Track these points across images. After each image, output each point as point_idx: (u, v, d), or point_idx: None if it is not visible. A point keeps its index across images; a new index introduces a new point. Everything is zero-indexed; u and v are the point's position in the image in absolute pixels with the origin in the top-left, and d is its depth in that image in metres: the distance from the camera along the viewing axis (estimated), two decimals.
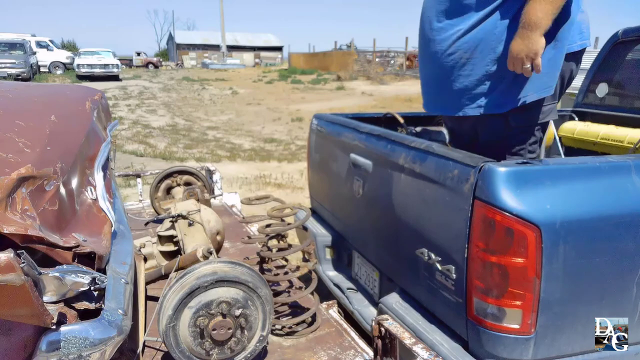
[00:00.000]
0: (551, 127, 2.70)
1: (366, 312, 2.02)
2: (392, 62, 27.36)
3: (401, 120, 2.47)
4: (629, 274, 1.38)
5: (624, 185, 1.38)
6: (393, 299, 1.76)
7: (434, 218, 1.54)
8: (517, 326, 1.33)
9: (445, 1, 1.78)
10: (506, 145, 1.87)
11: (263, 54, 50.57)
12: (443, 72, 1.83)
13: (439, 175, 1.51)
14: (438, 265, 1.50)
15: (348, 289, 2.22)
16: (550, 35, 1.65)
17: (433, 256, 1.53)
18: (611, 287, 1.38)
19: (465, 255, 1.38)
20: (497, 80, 1.74)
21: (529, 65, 1.61)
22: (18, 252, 0.76)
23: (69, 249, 0.89)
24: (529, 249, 1.27)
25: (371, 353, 1.59)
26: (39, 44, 23.54)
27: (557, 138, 2.84)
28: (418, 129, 2.61)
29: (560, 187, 1.33)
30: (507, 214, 1.28)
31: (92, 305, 0.92)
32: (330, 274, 2.38)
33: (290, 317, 1.85)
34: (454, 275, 1.44)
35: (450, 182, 1.45)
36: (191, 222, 2.09)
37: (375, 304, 2.02)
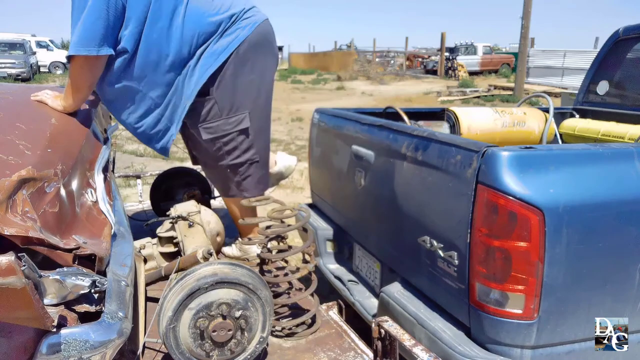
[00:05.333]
0: (552, 124, 2.70)
1: (367, 303, 2.02)
2: (392, 62, 27.35)
3: (403, 115, 2.48)
4: (632, 260, 1.38)
5: (627, 171, 1.39)
6: (394, 288, 1.76)
7: (436, 205, 1.55)
8: (519, 311, 1.33)
9: None
10: (213, 155, 2.08)
11: None
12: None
13: (442, 161, 1.51)
14: (440, 252, 1.50)
15: (349, 281, 2.22)
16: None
17: (435, 243, 1.53)
18: (614, 273, 1.38)
19: (468, 241, 1.39)
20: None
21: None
22: (19, 254, 0.76)
23: (69, 250, 0.89)
24: (532, 232, 1.27)
25: (371, 354, 1.59)
26: (39, 44, 23.52)
27: (558, 135, 2.85)
28: (420, 123, 2.62)
29: (563, 171, 1.33)
30: (510, 197, 1.28)
31: (92, 308, 0.92)
32: (332, 267, 2.39)
33: (290, 318, 1.85)
34: (456, 262, 1.44)
35: (453, 168, 1.46)
36: (191, 224, 2.09)
37: (376, 295, 2.02)
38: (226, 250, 2.40)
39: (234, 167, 2.11)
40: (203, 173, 3.06)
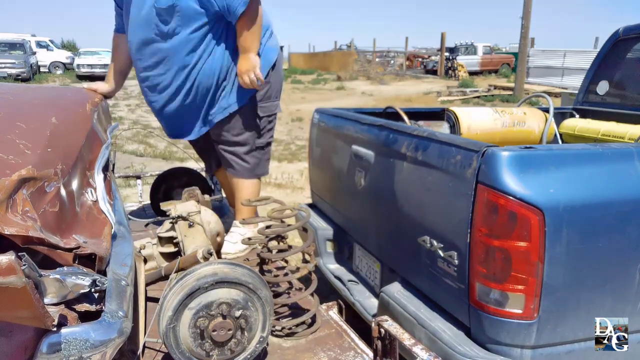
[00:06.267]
0: (552, 124, 2.70)
1: (367, 303, 2.03)
2: (392, 62, 27.35)
3: (403, 115, 2.48)
4: (632, 260, 1.38)
5: (627, 171, 1.40)
6: (394, 288, 1.76)
7: (436, 205, 1.55)
8: (519, 311, 1.33)
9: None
10: (257, 133, 2.42)
11: None
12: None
13: (442, 161, 1.51)
14: (440, 252, 1.50)
15: (349, 280, 2.22)
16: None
17: (435, 243, 1.53)
18: (614, 272, 1.39)
19: (468, 241, 1.39)
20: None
21: (253, 77, 2.19)
22: (19, 254, 0.76)
23: (69, 250, 0.89)
24: (532, 232, 1.27)
25: (371, 354, 1.60)
26: (39, 44, 23.52)
27: (558, 135, 2.85)
28: (420, 123, 2.62)
29: (563, 171, 1.34)
30: (510, 197, 1.28)
31: (92, 307, 0.92)
32: (332, 267, 2.39)
33: (290, 318, 1.85)
34: (456, 262, 1.44)
35: (453, 168, 1.46)
36: (191, 224, 2.09)
37: (376, 295, 2.02)
38: (229, 247, 2.39)
39: (267, 145, 2.51)
40: (203, 173, 3.06)
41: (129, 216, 2.79)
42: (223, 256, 2.33)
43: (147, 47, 2.21)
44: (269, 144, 2.53)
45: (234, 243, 2.40)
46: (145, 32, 2.17)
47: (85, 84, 2.44)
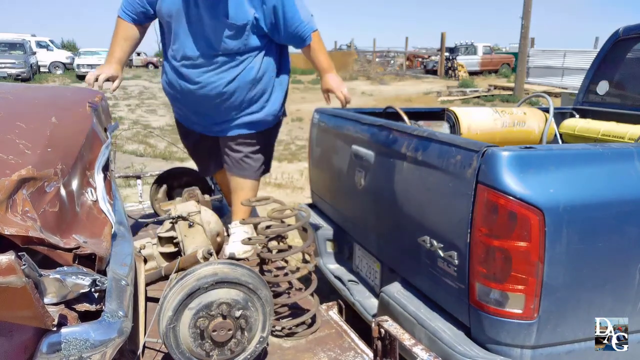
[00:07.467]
0: (552, 124, 2.70)
1: (367, 303, 2.03)
2: (392, 62, 27.36)
3: (403, 115, 2.48)
4: (632, 260, 1.38)
5: (627, 171, 1.40)
6: (394, 288, 1.76)
7: (436, 205, 1.55)
8: (519, 311, 1.33)
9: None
10: (272, 139, 2.63)
11: None
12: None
13: (442, 161, 1.51)
14: (440, 252, 1.50)
15: (349, 280, 2.22)
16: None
17: (435, 243, 1.53)
18: (614, 272, 1.39)
19: (468, 241, 1.39)
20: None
21: (347, 91, 2.43)
22: (19, 254, 0.76)
23: (69, 250, 0.89)
24: (532, 232, 1.28)
25: (371, 354, 1.59)
26: (39, 44, 23.53)
27: (558, 135, 2.85)
28: (420, 123, 2.62)
29: (564, 171, 1.34)
30: (510, 197, 1.28)
31: (92, 307, 0.92)
32: (332, 267, 2.39)
33: (290, 318, 1.85)
34: (456, 262, 1.44)
35: (453, 168, 1.46)
36: (191, 224, 2.09)
37: (376, 295, 2.02)
38: (236, 248, 2.39)
39: (273, 145, 2.68)
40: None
41: (129, 216, 2.79)
42: (236, 254, 2.33)
43: (206, 58, 2.27)
44: (274, 144, 2.70)
45: (240, 242, 2.41)
46: (208, 45, 2.24)
47: (102, 76, 2.44)
